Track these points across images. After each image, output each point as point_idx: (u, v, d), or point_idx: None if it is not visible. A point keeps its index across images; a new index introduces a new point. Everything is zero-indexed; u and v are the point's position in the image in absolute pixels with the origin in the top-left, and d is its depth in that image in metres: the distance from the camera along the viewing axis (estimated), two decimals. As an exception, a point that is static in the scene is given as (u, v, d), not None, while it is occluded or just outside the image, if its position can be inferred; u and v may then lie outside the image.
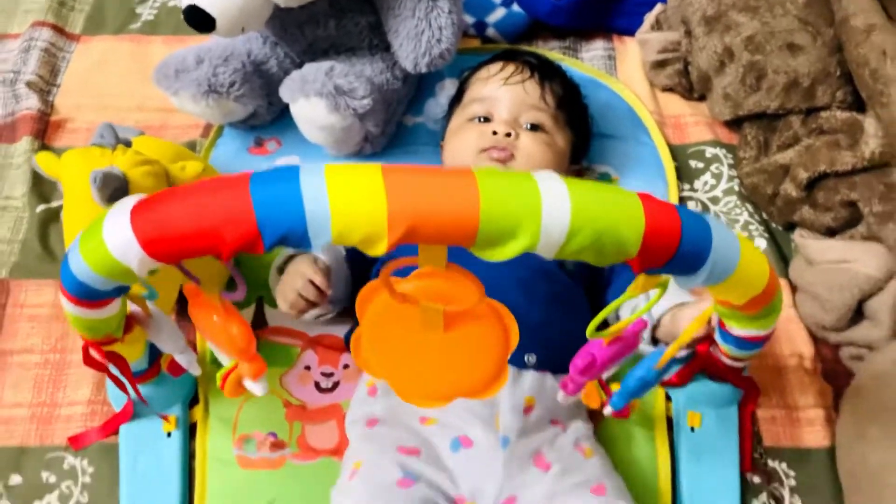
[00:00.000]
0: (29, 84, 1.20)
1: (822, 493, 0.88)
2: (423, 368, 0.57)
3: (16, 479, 0.86)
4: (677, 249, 0.46)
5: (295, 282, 0.83)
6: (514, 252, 0.42)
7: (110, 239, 0.47)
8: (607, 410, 0.76)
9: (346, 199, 0.40)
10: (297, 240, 0.42)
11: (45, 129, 1.16)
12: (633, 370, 0.74)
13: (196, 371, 0.80)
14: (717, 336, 0.76)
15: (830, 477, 0.88)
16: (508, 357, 0.56)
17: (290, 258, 0.89)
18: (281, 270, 0.89)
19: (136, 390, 0.80)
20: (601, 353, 0.62)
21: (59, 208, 1.06)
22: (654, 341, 0.85)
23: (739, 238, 0.52)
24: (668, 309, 0.82)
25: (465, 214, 0.41)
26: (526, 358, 0.80)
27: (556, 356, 0.76)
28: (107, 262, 0.48)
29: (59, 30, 1.30)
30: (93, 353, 0.73)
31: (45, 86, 1.22)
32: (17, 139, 1.13)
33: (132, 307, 0.73)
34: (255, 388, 0.66)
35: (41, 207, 1.06)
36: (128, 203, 0.46)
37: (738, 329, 0.67)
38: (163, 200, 0.45)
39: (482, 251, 0.43)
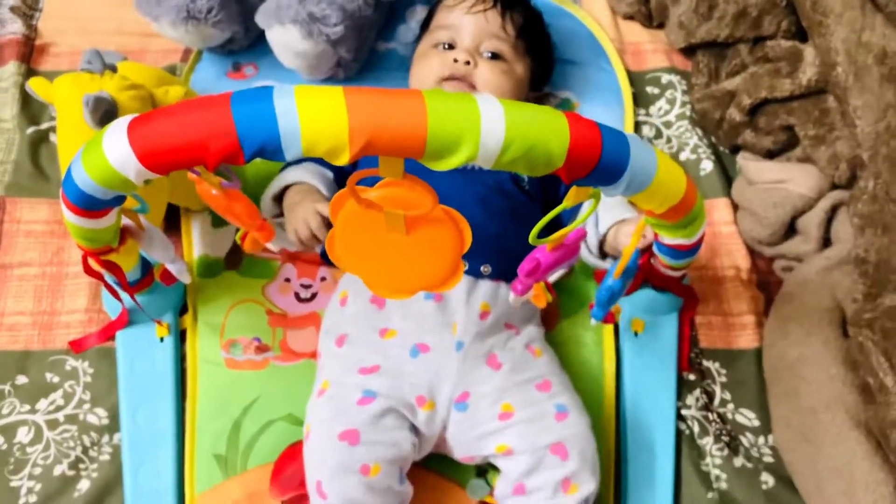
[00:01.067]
0: (12, 9, 1.22)
1: (749, 387, 0.97)
2: (390, 265, 0.63)
3: (22, 380, 0.93)
4: (599, 161, 0.53)
5: (311, 219, 0.87)
6: (458, 162, 0.49)
7: (110, 153, 0.53)
8: (593, 322, 0.84)
9: (313, 116, 0.47)
10: (272, 152, 0.49)
11: (30, 53, 1.19)
12: (601, 284, 0.81)
13: (186, 279, 0.87)
14: (654, 248, 0.84)
15: (756, 374, 0.97)
16: (462, 255, 0.63)
17: (286, 188, 0.94)
18: (277, 198, 0.94)
19: (132, 296, 0.87)
20: (545, 258, 0.70)
21: (49, 130, 1.10)
22: (603, 255, 0.92)
23: (657, 152, 0.59)
24: (611, 225, 0.89)
25: (414, 129, 0.47)
26: (482, 268, 0.87)
27: (510, 267, 0.80)
28: (107, 173, 0.54)
29: (38, -46, 1.30)
30: (91, 262, 0.80)
31: (28, 10, 1.24)
32: (4, 63, 1.15)
33: (125, 220, 0.80)
34: (271, 246, 0.74)
35: (31, 129, 1.10)
36: (124, 121, 0.52)
37: (668, 238, 0.75)
38: (155, 118, 0.51)
39: (431, 162, 0.50)
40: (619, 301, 0.98)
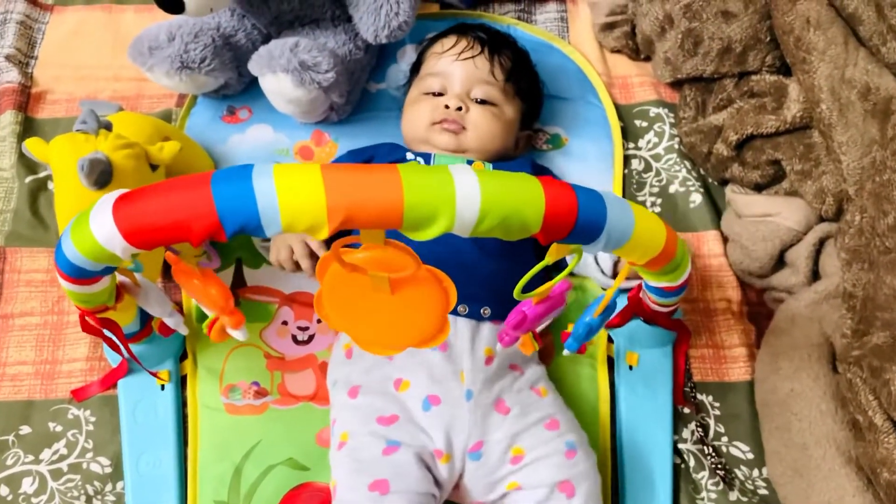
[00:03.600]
0: (8, 57, 1.24)
1: (742, 420, 0.98)
2: (377, 323, 0.65)
3: (26, 430, 0.95)
4: (575, 224, 0.54)
5: (295, 245, 0.90)
6: (436, 233, 0.51)
7: (97, 230, 0.55)
8: (565, 352, 0.84)
9: (292, 195, 0.49)
10: (253, 229, 0.50)
11: (27, 102, 1.20)
12: (580, 319, 0.83)
13: (184, 331, 0.89)
14: (643, 285, 0.85)
15: (749, 407, 0.98)
16: (448, 312, 0.64)
17: None
18: None
19: (130, 352, 0.88)
20: (531, 311, 0.71)
21: (47, 178, 1.12)
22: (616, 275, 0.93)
23: (634, 208, 0.60)
24: None
25: (391, 205, 0.49)
26: (482, 311, 0.89)
27: (510, 307, 0.81)
28: (95, 249, 0.56)
29: (32, 1, 1.32)
30: (88, 320, 0.81)
31: (24, 58, 1.26)
32: (1, 112, 1.17)
33: (121, 278, 0.81)
34: (236, 334, 0.74)
35: (30, 178, 1.11)
36: (109, 199, 0.54)
37: (653, 282, 0.76)
38: (139, 198, 0.53)
39: (409, 233, 0.52)
40: (613, 334, 1.00)
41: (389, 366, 0.88)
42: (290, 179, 0.49)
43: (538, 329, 0.78)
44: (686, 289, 0.80)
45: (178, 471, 0.92)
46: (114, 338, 0.83)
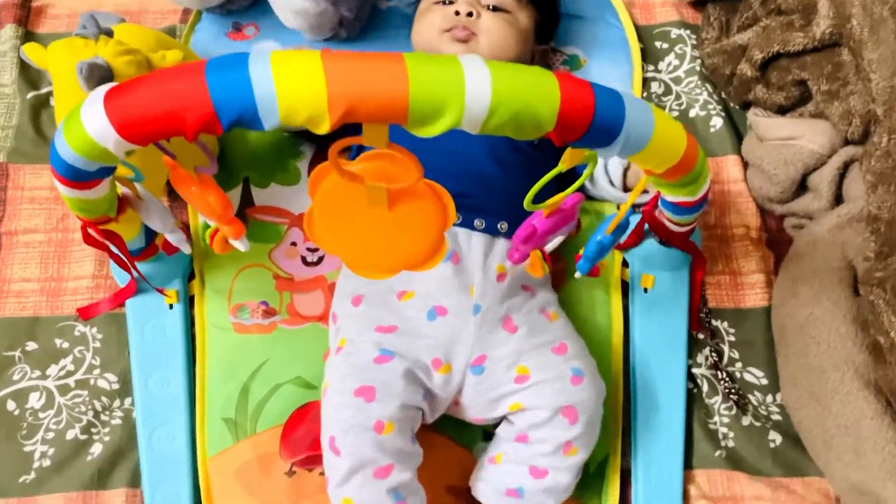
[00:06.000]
0: (8, -29, 1.20)
1: (757, 346, 0.97)
2: (371, 243, 0.62)
3: (32, 346, 0.94)
4: (591, 123, 0.51)
5: None
6: (443, 128, 0.48)
7: (89, 124, 0.52)
8: (577, 274, 0.83)
9: (290, 83, 0.46)
10: (250, 121, 0.48)
11: (27, 16, 1.17)
12: (591, 237, 0.80)
13: (186, 249, 0.87)
14: (659, 202, 0.82)
15: (765, 333, 0.97)
16: (444, 231, 0.61)
17: None
18: None
19: (135, 267, 0.87)
20: (541, 224, 0.68)
21: (49, 94, 1.10)
22: (626, 189, 0.92)
23: (654, 111, 0.57)
24: None
25: (396, 95, 0.46)
26: (499, 225, 0.87)
27: None
28: (87, 144, 0.54)
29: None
30: (90, 232, 0.80)
31: (25, -29, 1.22)
32: (1, 26, 1.14)
33: (124, 190, 0.79)
34: (237, 244, 0.72)
35: (31, 94, 1.09)
36: (101, 91, 0.52)
37: (670, 196, 0.73)
38: (132, 88, 0.50)
39: (414, 128, 0.49)
40: (628, 257, 0.97)
41: (397, 277, 0.86)
42: (288, 67, 0.46)
43: (548, 248, 0.75)
44: (704, 205, 0.77)
45: (187, 389, 0.92)
46: (117, 251, 0.82)
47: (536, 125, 0.50)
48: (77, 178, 0.60)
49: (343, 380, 0.80)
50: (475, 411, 0.86)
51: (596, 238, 0.80)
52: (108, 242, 0.83)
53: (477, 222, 0.86)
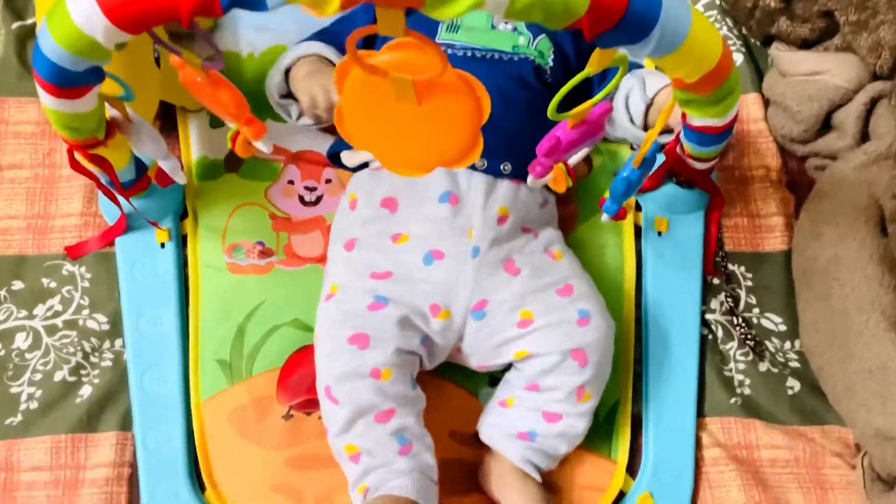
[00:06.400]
0: None
1: (776, 291, 0.94)
2: (403, 139, 0.59)
3: (18, 285, 0.90)
4: (626, 9, 0.47)
5: (329, 86, 0.84)
6: (464, 8, 0.43)
7: (75, 11, 0.48)
8: (604, 217, 0.79)
9: (295, -49, 0.42)
10: (252, 0, 0.43)
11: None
12: (617, 175, 0.77)
13: (181, 179, 0.83)
14: (682, 135, 0.78)
15: (784, 278, 0.94)
16: (481, 126, 0.58)
17: (300, 59, 0.89)
18: (285, 71, 0.90)
19: (124, 194, 0.82)
20: (566, 135, 0.64)
21: (34, 25, 1.04)
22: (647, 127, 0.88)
23: (691, 8, 0.53)
24: (661, 87, 0.84)
25: (411, -33, 0.42)
26: (502, 166, 0.83)
27: None
28: (74, 35, 0.49)
29: None
30: (78, 157, 0.75)
31: None
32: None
33: (113, 113, 0.75)
34: (260, 146, 0.69)
35: (16, 24, 1.04)
36: (86, -26, 0.47)
37: (697, 119, 0.69)
38: (121, -34, 0.45)
39: (433, 10, 0.44)
40: (642, 199, 0.94)
41: (390, 218, 0.84)
42: (293, -67, 0.42)
43: (572, 161, 0.71)
44: (731, 133, 0.73)
45: (180, 330, 0.88)
46: (106, 181, 0.77)
47: (567, 9, 0.45)
48: (63, 82, 0.56)
49: (335, 327, 0.78)
50: (478, 358, 0.83)
51: (622, 175, 0.75)
52: (96, 171, 0.78)
53: (478, 162, 0.82)
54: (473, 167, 0.82)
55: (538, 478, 0.80)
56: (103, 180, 0.82)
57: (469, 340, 0.81)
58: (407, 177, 0.61)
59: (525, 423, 0.80)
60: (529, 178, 0.72)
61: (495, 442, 0.81)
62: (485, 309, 0.80)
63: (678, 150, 0.82)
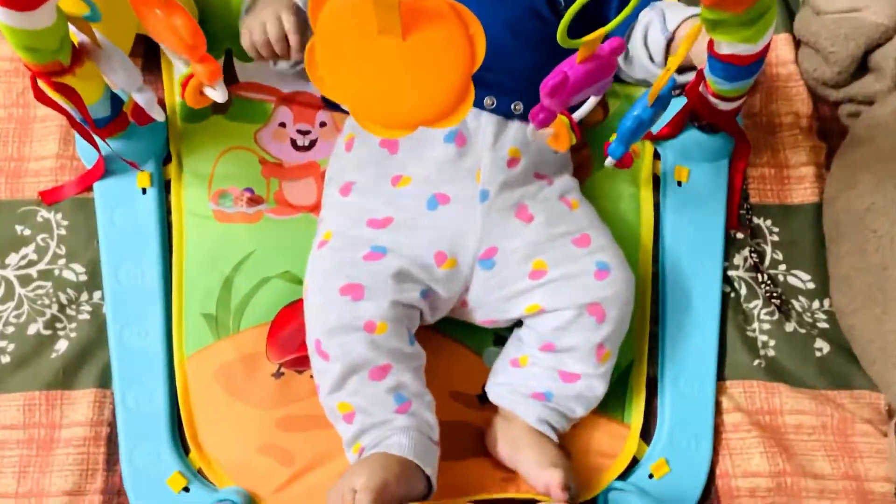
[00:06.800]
0: None
1: (804, 246, 0.89)
2: (384, 88, 0.53)
3: (-11, 232, 0.86)
4: None
5: (270, 23, 0.77)
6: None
7: None
8: (608, 161, 0.73)
9: None
10: None
11: None
12: (628, 112, 0.71)
13: (159, 116, 0.77)
14: (706, 70, 0.71)
15: (814, 232, 0.89)
16: (473, 71, 0.52)
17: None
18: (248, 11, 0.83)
19: (100, 133, 0.77)
20: (573, 71, 0.58)
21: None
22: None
23: None
24: (683, 20, 0.78)
25: None
26: (513, 106, 0.78)
27: None
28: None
29: None
30: (41, 84, 0.69)
31: None
32: None
33: (81, 38, 0.69)
34: (213, 94, 0.63)
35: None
36: None
37: (726, 45, 0.63)
38: None
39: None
40: (661, 147, 0.89)
41: (390, 159, 0.79)
42: None
43: (577, 116, 0.65)
44: (761, 66, 0.67)
45: (162, 281, 0.84)
46: (80, 118, 0.71)
47: None
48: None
49: (326, 277, 0.73)
50: (485, 312, 0.78)
51: (633, 112, 0.69)
52: (67, 105, 0.72)
53: (487, 100, 0.77)
54: (482, 106, 0.77)
55: (556, 438, 0.76)
56: (77, 117, 0.76)
57: (475, 292, 0.77)
58: (384, 137, 0.54)
59: (540, 382, 0.76)
60: (530, 129, 0.66)
61: (507, 402, 0.77)
62: (494, 258, 0.76)
63: (700, 88, 0.75)
